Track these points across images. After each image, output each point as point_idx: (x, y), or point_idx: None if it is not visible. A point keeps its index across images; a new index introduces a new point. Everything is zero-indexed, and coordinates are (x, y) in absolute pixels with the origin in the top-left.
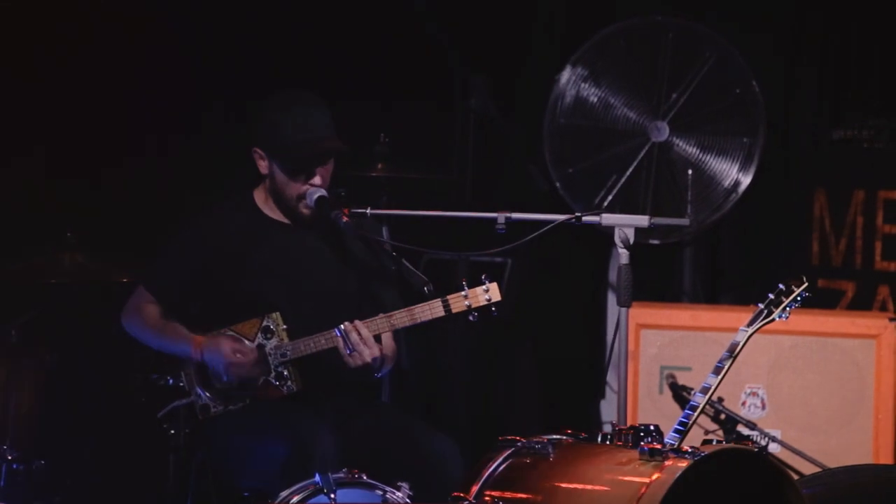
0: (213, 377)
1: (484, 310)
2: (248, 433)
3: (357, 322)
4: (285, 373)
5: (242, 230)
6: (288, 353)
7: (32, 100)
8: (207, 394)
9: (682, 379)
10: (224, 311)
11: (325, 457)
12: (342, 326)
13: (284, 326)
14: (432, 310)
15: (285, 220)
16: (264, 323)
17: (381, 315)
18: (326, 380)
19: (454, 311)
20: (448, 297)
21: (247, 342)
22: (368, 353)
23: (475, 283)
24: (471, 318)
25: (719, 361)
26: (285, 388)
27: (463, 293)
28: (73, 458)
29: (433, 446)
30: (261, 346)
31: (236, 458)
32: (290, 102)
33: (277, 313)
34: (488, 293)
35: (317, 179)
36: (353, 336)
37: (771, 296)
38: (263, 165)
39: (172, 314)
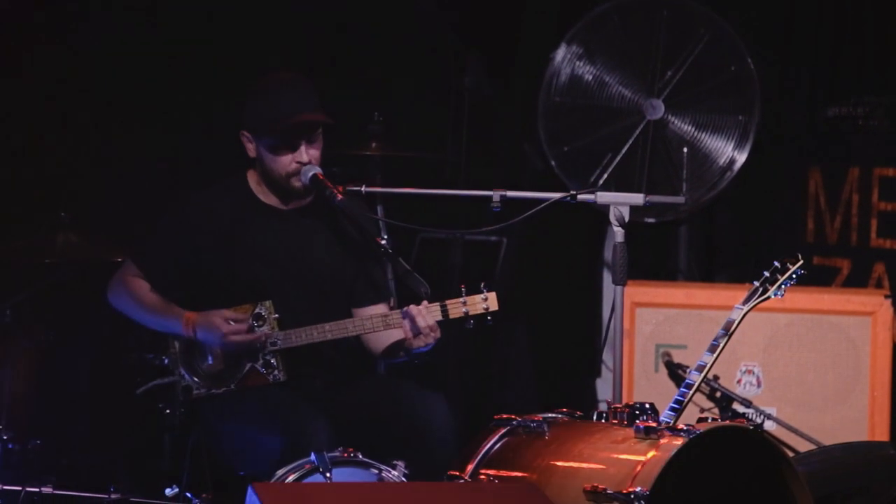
0: (200, 357)
1: (480, 318)
2: (240, 419)
3: (420, 307)
4: (273, 361)
5: (235, 213)
6: (279, 342)
7: (27, 79)
8: (193, 377)
9: (678, 357)
10: (213, 295)
11: (319, 441)
12: (407, 310)
13: (276, 315)
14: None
15: (279, 205)
16: (256, 309)
17: (378, 315)
18: (313, 367)
19: (451, 316)
20: (446, 302)
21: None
22: (433, 336)
23: (473, 290)
24: (467, 325)
25: (715, 339)
26: (272, 376)
27: (462, 300)
28: (69, 438)
29: (423, 404)
30: (251, 328)
31: (229, 444)
32: (271, 82)
33: (270, 302)
34: (486, 302)
35: (304, 156)
36: (421, 321)
37: (766, 273)
38: (251, 148)
39: (160, 293)
